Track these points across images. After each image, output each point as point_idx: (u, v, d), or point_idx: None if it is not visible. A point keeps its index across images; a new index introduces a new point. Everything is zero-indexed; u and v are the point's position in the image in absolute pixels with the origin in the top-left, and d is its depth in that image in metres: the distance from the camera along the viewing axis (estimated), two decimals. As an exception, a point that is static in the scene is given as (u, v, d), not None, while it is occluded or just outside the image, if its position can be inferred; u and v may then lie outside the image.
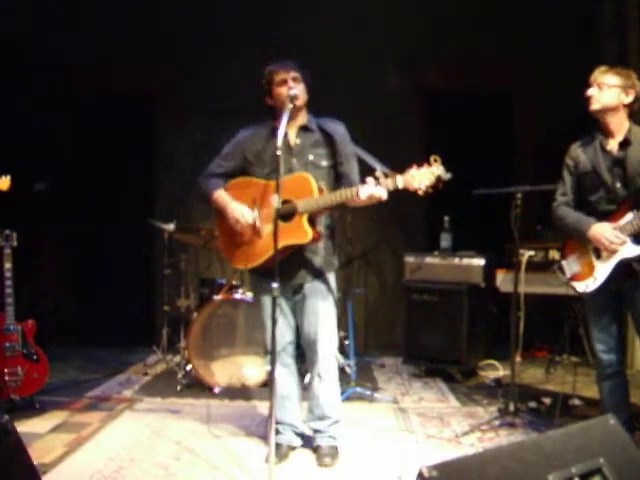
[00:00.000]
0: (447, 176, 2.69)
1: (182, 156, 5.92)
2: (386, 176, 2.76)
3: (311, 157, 3.07)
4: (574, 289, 3.17)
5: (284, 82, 3.00)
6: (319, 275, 3.14)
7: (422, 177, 2.68)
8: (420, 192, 2.71)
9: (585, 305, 3.23)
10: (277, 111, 3.03)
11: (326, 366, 3.18)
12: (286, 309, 3.20)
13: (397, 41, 5.63)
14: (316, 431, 3.25)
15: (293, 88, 2.96)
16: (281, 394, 3.21)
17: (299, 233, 2.90)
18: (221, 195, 3.14)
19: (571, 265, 3.19)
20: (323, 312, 3.15)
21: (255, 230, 3.08)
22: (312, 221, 2.97)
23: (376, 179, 2.78)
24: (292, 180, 2.94)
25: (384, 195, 2.79)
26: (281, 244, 2.78)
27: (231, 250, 3.19)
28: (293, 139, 3.10)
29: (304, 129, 3.12)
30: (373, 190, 2.77)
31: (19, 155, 5.56)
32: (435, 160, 2.69)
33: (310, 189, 2.92)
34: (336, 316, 3.25)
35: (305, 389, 3.50)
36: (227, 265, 5.78)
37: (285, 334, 3.20)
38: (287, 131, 3.02)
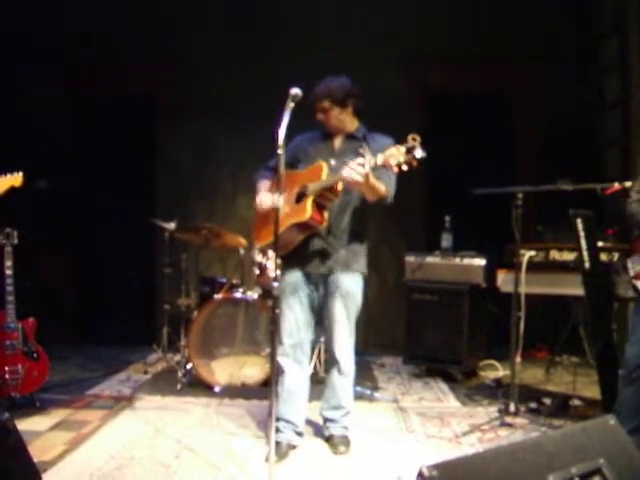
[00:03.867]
0: (420, 154, 2.74)
1: (183, 155, 5.94)
2: (374, 156, 2.89)
3: (348, 160, 3.18)
4: (635, 288, 3.11)
5: (317, 110, 3.25)
6: (339, 270, 3.23)
7: (397, 154, 2.79)
8: (395, 169, 2.82)
9: (634, 308, 3.15)
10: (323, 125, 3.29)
11: (345, 362, 3.32)
12: (306, 303, 3.30)
13: (397, 41, 5.64)
14: (329, 420, 3.36)
15: (319, 115, 3.24)
16: (288, 389, 3.26)
17: (301, 212, 3.09)
18: (260, 184, 3.41)
19: (637, 263, 3.11)
20: (342, 308, 3.24)
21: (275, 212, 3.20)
22: (320, 206, 3.11)
23: (361, 156, 2.91)
24: (311, 169, 3.19)
25: (358, 177, 2.88)
26: (287, 223, 3.08)
27: (257, 229, 3.44)
28: (338, 143, 3.32)
29: (349, 136, 3.31)
30: (348, 172, 2.90)
31: (20, 154, 5.57)
32: (413, 139, 2.76)
33: (320, 175, 3.11)
34: (357, 314, 3.33)
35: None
36: (227, 264, 5.80)
37: (301, 328, 3.27)
38: (334, 136, 3.32)
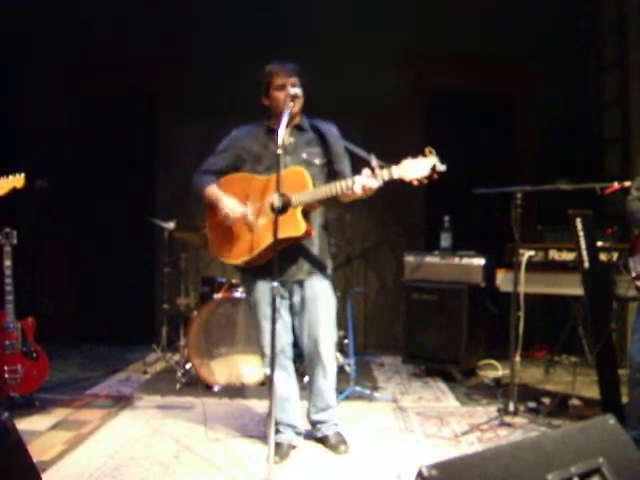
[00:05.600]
0: (442, 167, 2.69)
1: (183, 155, 5.93)
2: (381, 167, 2.78)
3: (305, 155, 3.11)
4: (638, 289, 3.09)
5: (283, 87, 3.01)
6: (314, 274, 3.16)
7: (417, 168, 2.70)
8: (415, 183, 2.73)
9: (638, 308, 3.14)
10: (273, 111, 3.08)
11: (329, 365, 3.26)
12: (282, 310, 3.21)
13: (398, 41, 5.62)
14: (320, 422, 3.33)
15: (293, 89, 2.97)
16: (280, 396, 3.22)
17: (293, 226, 2.91)
18: (213, 190, 3.15)
19: (639, 263, 3.08)
20: (322, 313, 3.18)
21: (247, 224, 3.08)
22: (305, 215, 2.98)
23: (372, 170, 2.80)
24: (287, 174, 2.93)
25: (374, 184, 2.79)
26: (270, 237, 2.84)
27: (222, 245, 3.19)
28: (287, 138, 3.10)
29: (297, 128, 3.16)
30: (365, 180, 2.79)
31: (20, 153, 5.57)
32: (430, 151, 2.70)
33: (305, 182, 2.95)
34: (335, 315, 3.28)
35: (304, 388, 3.52)
36: (227, 264, 5.79)
37: (282, 335, 3.19)
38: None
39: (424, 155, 2.72)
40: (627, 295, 3.38)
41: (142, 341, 5.59)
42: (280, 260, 2.92)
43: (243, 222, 3.08)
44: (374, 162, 2.81)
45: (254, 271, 3.15)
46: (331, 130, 3.18)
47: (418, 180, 2.71)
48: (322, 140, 3.14)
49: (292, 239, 2.97)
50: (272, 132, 3.03)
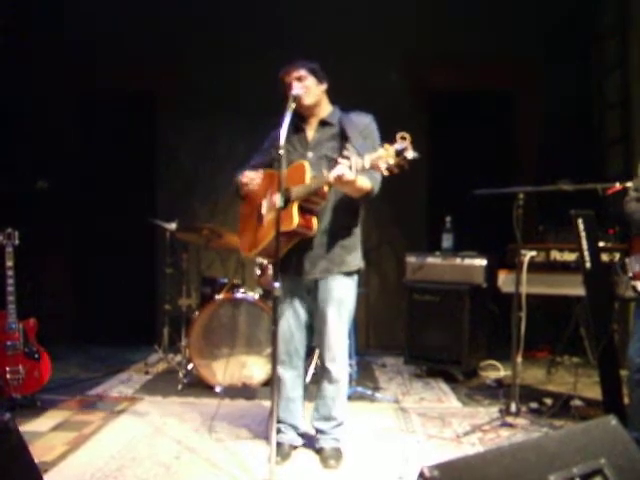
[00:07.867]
0: (411, 155, 2.50)
1: (183, 154, 5.94)
2: (360, 157, 2.68)
3: (325, 151, 3.06)
4: (634, 289, 3.08)
5: (290, 86, 3.02)
6: (331, 273, 3.07)
7: (386, 155, 2.56)
8: (385, 172, 2.59)
9: (635, 308, 3.14)
10: (297, 110, 3.00)
11: (335, 368, 3.13)
12: (299, 309, 3.17)
13: (398, 41, 5.64)
14: (320, 432, 3.23)
15: (296, 88, 2.98)
16: (287, 396, 3.20)
17: (286, 220, 2.84)
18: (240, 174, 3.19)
19: (635, 263, 3.07)
20: (334, 314, 3.08)
21: (260, 218, 3.15)
22: (307, 211, 2.92)
23: (346, 158, 2.71)
24: (292, 169, 2.94)
25: (346, 173, 2.68)
26: (273, 232, 2.80)
27: (242, 238, 3.30)
28: (312, 133, 3.11)
29: (323, 123, 3.12)
30: (338, 170, 2.70)
31: (21, 153, 5.58)
32: (402, 137, 2.53)
33: (302, 176, 2.90)
34: (350, 318, 3.18)
35: (306, 389, 3.52)
36: (228, 264, 5.81)
37: (296, 335, 3.17)
38: (305, 126, 3.12)
39: (396, 142, 2.56)
40: (626, 296, 3.38)
41: (144, 342, 5.60)
42: (298, 258, 3.01)
43: (258, 215, 3.15)
44: (346, 152, 2.71)
45: (281, 267, 3.00)
46: (355, 123, 3.02)
47: (387, 169, 2.56)
48: (344, 134, 3.02)
49: (288, 233, 2.90)
50: (298, 129, 3.11)
